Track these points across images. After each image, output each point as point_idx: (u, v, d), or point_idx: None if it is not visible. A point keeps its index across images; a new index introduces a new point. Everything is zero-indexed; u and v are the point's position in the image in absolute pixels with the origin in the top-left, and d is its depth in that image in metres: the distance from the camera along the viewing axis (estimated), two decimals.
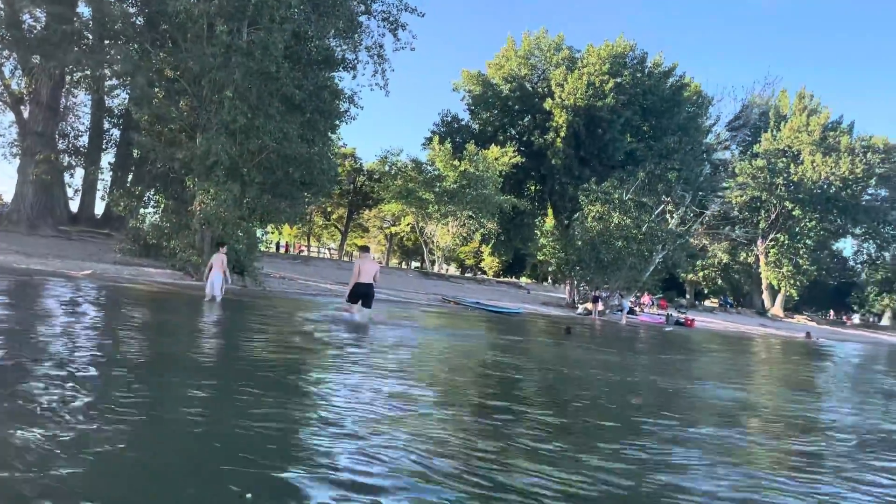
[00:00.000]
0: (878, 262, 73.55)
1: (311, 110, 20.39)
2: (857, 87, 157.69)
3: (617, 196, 33.66)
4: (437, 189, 41.68)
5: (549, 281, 59.73)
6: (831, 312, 78.15)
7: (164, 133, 20.84)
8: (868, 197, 63.24)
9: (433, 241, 46.46)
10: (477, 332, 17.85)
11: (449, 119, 51.09)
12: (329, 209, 59.92)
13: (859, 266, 76.86)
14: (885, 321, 74.79)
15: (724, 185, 53.18)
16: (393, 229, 59.78)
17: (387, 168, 44.95)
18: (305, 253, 61.35)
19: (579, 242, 34.51)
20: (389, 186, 43.58)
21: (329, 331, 12.94)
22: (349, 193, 55.00)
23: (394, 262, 73.55)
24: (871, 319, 78.29)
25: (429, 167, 43.95)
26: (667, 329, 32.14)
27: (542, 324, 24.67)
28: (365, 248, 16.33)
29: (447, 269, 58.31)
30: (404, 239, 67.25)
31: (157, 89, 20.52)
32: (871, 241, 72.67)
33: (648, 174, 36.61)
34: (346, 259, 64.82)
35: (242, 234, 19.82)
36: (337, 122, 23.93)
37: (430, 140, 46.18)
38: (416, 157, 45.12)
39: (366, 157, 58.58)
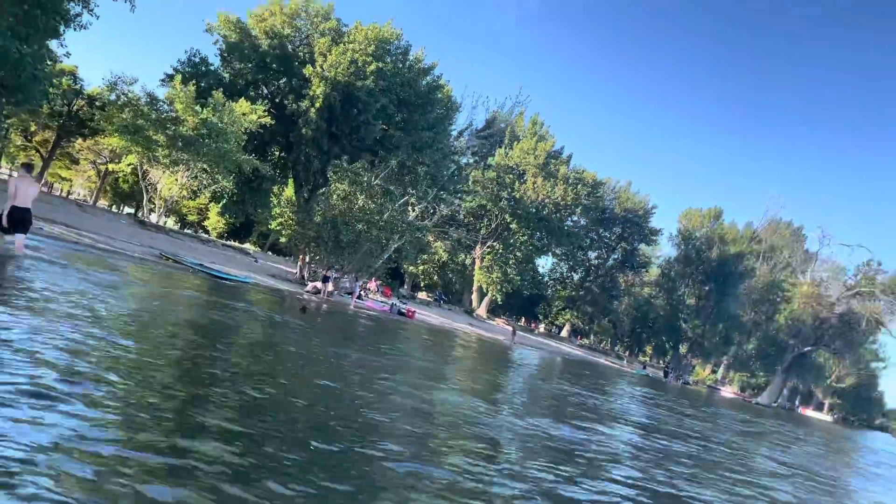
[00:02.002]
0: (567, 280, 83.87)
1: (31, 2, 16.37)
2: (576, 120, 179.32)
3: (366, 179, 33.18)
4: (170, 132, 37.35)
5: (272, 252, 57.62)
6: (523, 319, 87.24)
7: None
8: (570, 223, 71.44)
9: (156, 189, 41.72)
10: (196, 295, 15.85)
11: (197, 60, 46.21)
12: (33, 129, 50.89)
13: (551, 281, 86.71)
14: (564, 333, 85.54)
15: (464, 188, 55.95)
16: (110, 167, 52.71)
17: (114, 97, 39.22)
18: None
19: (318, 218, 33.40)
20: (114, 118, 38.06)
21: None
22: (61, 116, 47.17)
23: (103, 203, 65.12)
24: (553, 330, 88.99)
25: (165, 106, 39.27)
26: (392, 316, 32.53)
27: (272, 298, 23.10)
28: (27, 166, 13.52)
29: (166, 222, 53.11)
30: (121, 180, 59.86)
31: None
32: (565, 262, 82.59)
33: (400, 164, 36.77)
34: (43, 189, 55.70)
35: None
36: (62, 28, 19.75)
37: (171, 77, 41.30)
38: (153, 93, 40.05)
39: (90, 80, 50.58)
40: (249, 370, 8.08)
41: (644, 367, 73.42)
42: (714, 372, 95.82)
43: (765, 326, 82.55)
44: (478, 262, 68.36)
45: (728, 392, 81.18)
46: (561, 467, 6.95)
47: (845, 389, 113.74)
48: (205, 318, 12.10)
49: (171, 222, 63.05)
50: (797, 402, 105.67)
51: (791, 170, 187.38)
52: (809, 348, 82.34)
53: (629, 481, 7.22)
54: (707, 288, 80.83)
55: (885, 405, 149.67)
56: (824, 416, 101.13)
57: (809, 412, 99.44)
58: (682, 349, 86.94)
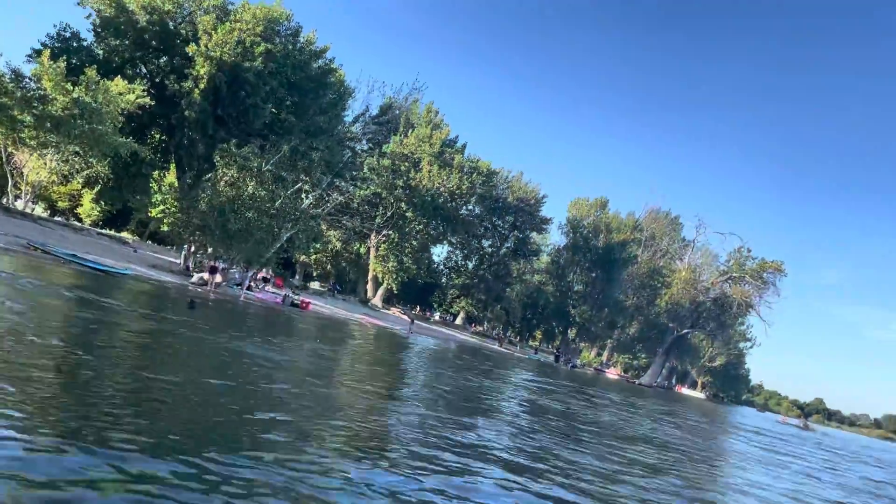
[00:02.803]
0: (462, 269, 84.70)
1: None
2: (470, 110, 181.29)
3: (256, 164, 31.78)
4: (38, 111, 34.24)
5: (152, 241, 54.57)
6: (417, 308, 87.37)
7: None
8: (465, 211, 71.94)
9: (22, 174, 38.29)
10: (69, 290, 14.52)
11: (68, 35, 42.62)
12: None
13: (445, 270, 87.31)
14: (459, 321, 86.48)
15: (362, 174, 54.91)
16: None
17: None
18: None
19: (204, 206, 31.73)
20: None
21: None
22: None
23: None
24: (448, 318, 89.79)
25: (32, 84, 35.95)
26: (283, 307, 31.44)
27: (156, 291, 21.65)
28: None
29: (34, 209, 48.99)
30: None
31: None
32: (459, 251, 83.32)
33: (293, 149, 35.50)
34: None
35: None
36: None
37: (38, 53, 37.89)
38: (18, 69, 36.52)
39: None
40: (134, 371, 7.32)
41: (536, 353, 75.40)
42: (599, 355, 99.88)
43: (646, 311, 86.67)
44: (373, 251, 67.60)
45: (613, 374, 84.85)
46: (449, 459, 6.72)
47: (716, 368, 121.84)
48: (81, 316, 11.03)
49: (39, 209, 58.27)
50: (674, 381, 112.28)
51: (671, 161, 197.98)
52: (687, 331, 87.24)
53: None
54: (594, 274, 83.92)
55: (750, 382, 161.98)
56: (698, 394, 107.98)
57: (685, 391, 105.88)
58: (571, 333, 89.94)
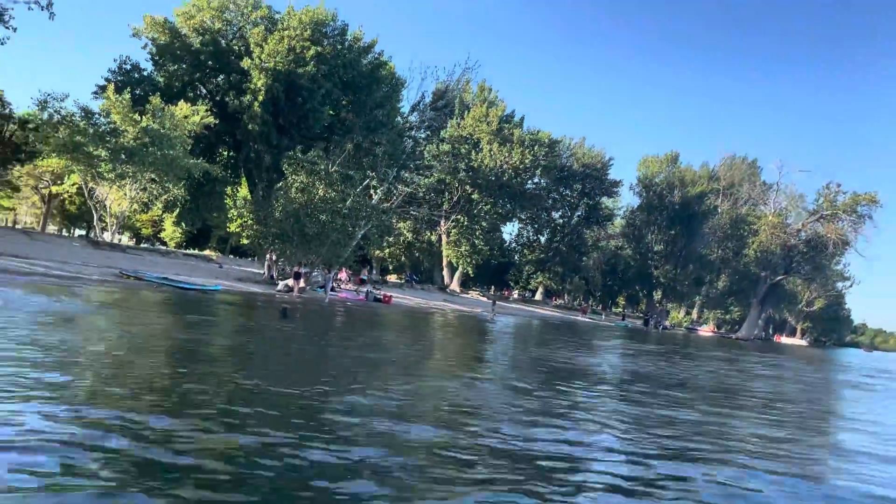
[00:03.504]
0: (535, 244, 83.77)
1: None
2: (522, 81, 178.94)
3: (323, 167, 32.05)
4: (111, 145, 35.57)
5: (235, 255, 56.10)
6: (492, 288, 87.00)
7: None
8: (531, 185, 70.95)
9: (105, 206, 39.93)
10: (167, 312, 14.88)
11: (129, 68, 44.14)
12: None
13: (517, 247, 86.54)
14: (538, 296, 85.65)
15: (425, 162, 54.80)
16: (53, 189, 50.34)
17: (47, 116, 37.19)
18: None
19: (279, 214, 32.27)
20: (49, 138, 36.12)
21: None
22: None
23: (52, 228, 62.56)
24: (526, 294, 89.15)
25: (102, 119, 37.38)
26: (368, 301, 31.73)
27: (246, 303, 22.13)
28: None
29: (121, 239, 51.20)
30: (67, 202, 57.44)
31: None
32: (530, 226, 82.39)
33: (356, 146, 35.66)
34: None
35: None
36: None
37: (103, 88, 39.34)
38: (87, 106, 38.04)
39: (19, 104, 47.96)
40: (259, 384, 7.30)
41: (623, 319, 73.88)
42: (689, 313, 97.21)
43: (734, 262, 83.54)
44: (444, 237, 67.64)
45: (706, 331, 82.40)
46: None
47: (815, 313, 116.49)
48: (185, 336, 11.23)
49: (125, 239, 60.97)
50: (771, 331, 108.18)
51: (742, 105, 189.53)
52: (780, 277, 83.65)
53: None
54: (673, 232, 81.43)
55: (852, 322, 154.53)
56: (799, 341, 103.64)
57: (784, 339, 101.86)
58: (657, 295, 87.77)
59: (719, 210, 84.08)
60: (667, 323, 79.97)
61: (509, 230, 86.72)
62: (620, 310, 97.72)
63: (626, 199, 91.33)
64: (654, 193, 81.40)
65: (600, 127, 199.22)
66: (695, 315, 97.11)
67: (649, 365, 18.03)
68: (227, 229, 45.88)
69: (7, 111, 44.26)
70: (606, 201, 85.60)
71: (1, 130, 44.78)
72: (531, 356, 16.71)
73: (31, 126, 40.23)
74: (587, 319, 64.70)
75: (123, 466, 4.22)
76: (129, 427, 5.03)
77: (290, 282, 30.43)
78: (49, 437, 4.52)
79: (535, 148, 64.28)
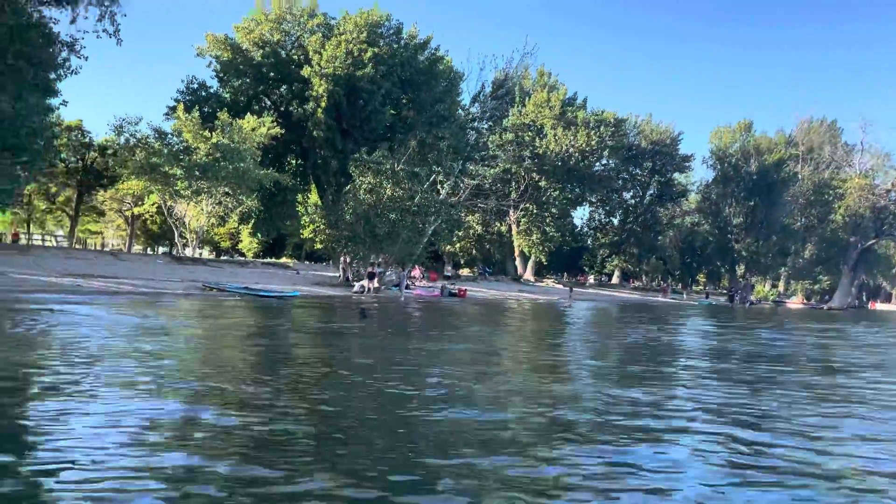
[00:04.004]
0: (607, 226, 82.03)
1: (14, 54, 15.58)
2: (585, 64, 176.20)
3: (389, 166, 32.18)
4: (185, 163, 36.78)
5: (310, 261, 57.13)
6: (565, 274, 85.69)
7: None
8: (599, 167, 69.42)
9: (184, 223, 41.35)
10: (251, 321, 15.11)
11: (195, 87, 45.61)
12: (54, 190, 50.98)
13: (590, 231, 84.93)
14: (615, 280, 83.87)
15: (491, 152, 54.39)
16: (135, 210, 52.55)
17: (123, 140, 38.78)
18: (23, 240, 51.63)
19: (348, 217, 32.62)
20: (127, 161, 37.66)
21: None
22: (78, 172, 47.07)
23: (137, 248, 65.40)
24: (602, 279, 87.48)
25: (175, 139, 38.70)
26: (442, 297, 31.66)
27: (325, 306, 22.40)
28: None
29: (202, 253, 52.99)
30: (149, 222, 59.88)
31: None
32: (601, 208, 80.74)
33: (420, 142, 35.67)
34: (77, 247, 55.95)
35: None
36: (53, 76, 19.04)
37: (174, 109, 40.74)
38: (160, 128, 39.48)
39: (97, 132, 50.15)
40: (365, 385, 7.21)
41: (707, 297, 71.43)
42: (774, 286, 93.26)
43: (819, 229, 79.54)
44: (514, 227, 67.08)
45: (795, 303, 78.95)
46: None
47: None
48: (273, 344, 11.32)
49: (206, 252, 63.08)
50: (865, 299, 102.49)
51: (815, 66, 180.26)
52: (872, 241, 79.15)
53: None
54: (752, 203, 78.00)
55: None
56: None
57: (880, 306, 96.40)
58: (739, 270, 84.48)
59: (799, 176, 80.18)
60: (752, 298, 76.91)
61: (580, 215, 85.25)
62: (701, 288, 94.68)
63: (700, 174, 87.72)
64: (729, 165, 78.14)
65: (666, 102, 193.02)
66: (781, 287, 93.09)
67: (755, 342, 17.20)
68: (301, 236, 46.71)
69: (87, 139, 46.49)
70: (679, 177, 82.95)
71: (83, 158, 47.09)
72: (633, 340, 16.18)
73: (109, 152, 42.11)
74: (668, 300, 62.94)
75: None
76: (312, 430, 4.98)
77: (365, 282, 30.70)
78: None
79: (601, 129, 62.85)
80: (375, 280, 31.28)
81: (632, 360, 11.82)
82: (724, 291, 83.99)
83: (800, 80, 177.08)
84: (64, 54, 18.23)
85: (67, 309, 14.09)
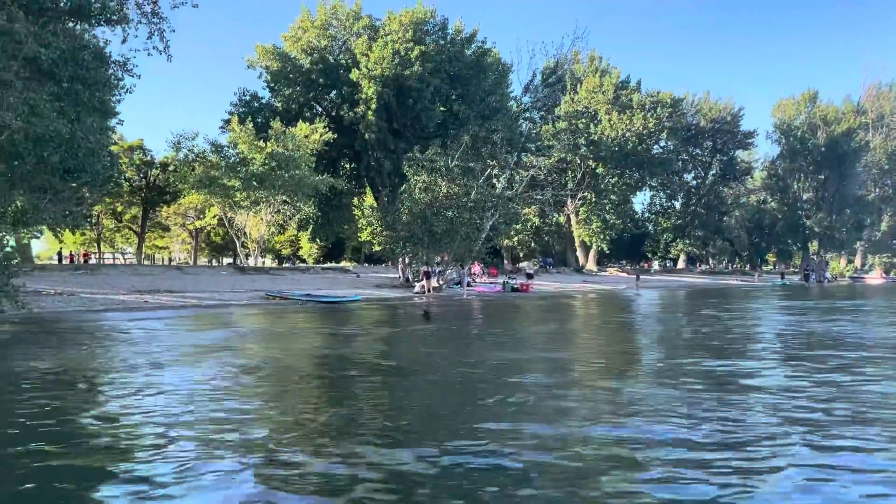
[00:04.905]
0: (670, 210, 79.71)
1: (69, 77, 15.77)
2: (636, 45, 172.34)
3: (443, 163, 31.75)
4: (243, 174, 37.24)
5: (369, 263, 57.33)
6: (627, 262, 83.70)
7: None
8: (658, 150, 67.35)
9: (245, 233, 41.94)
10: (317, 330, 14.88)
11: (248, 98, 46.34)
12: (120, 209, 52.62)
13: (651, 216, 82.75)
14: (680, 264, 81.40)
15: (545, 142, 53.37)
16: (198, 224, 53.77)
17: (182, 156, 39.56)
18: (92, 260, 53.45)
19: (404, 217, 32.35)
20: (187, 176, 38.38)
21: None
22: (141, 190, 48.42)
23: (203, 260, 67.03)
24: (667, 264, 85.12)
25: (231, 151, 39.25)
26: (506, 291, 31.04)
27: (388, 309, 22.13)
28: None
29: (264, 262, 53.76)
30: (212, 234, 61.24)
31: None
32: (662, 192, 78.48)
33: (473, 137, 35.14)
34: (146, 263, 57.62)
35: None
36: (109, 98, 19.31)
37: (228, 122, 41.39)
38: (216, 141, 40.11)
39: (157, 150, 51.58)
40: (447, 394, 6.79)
41: (782, 277, 68.50)
42: (850, 262, 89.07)
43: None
44: (573, 217, 65.81)
45: (875, 279, 75.05)
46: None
47: None
48: (343, 353, 11.02)
49: (268, 261, 64.10)
50: None
51: (879, 27, 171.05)
52: None
53: None
54: (822, 176, 74.52)
55: None
56: None
57: None
58: (812, 247, 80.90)
59: (871, 145, 76.19)
60: (828, 275, 73.47)
61: (641, 200, 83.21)
62: (771, 268, 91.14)
63: (764, 150, 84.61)
64: (795, 138, 74.81)
65: (725, 78, 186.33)
66: (857, 262, 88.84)
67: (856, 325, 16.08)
68: (359, 239, 46.93)
69: (149, 158, 47.71)
70: (742, 155, 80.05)
71: (146, 176, 48.36)
72: (692, 325, 15.31)
73: (170, 168, 43.05)
74: (739, 282, 60.59)
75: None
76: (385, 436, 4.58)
77: (424, 282, 30.37)
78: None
79: (658, 110, 61.01)
80: (434, 279, 30.92)
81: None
82: (796, 270, 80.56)
83: (864, 45, 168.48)
84: (118, 73, 18.47)
85: (128, 326, 14.12)
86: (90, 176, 17.60)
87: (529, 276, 37.93)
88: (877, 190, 77.58)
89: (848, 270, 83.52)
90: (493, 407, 6.44)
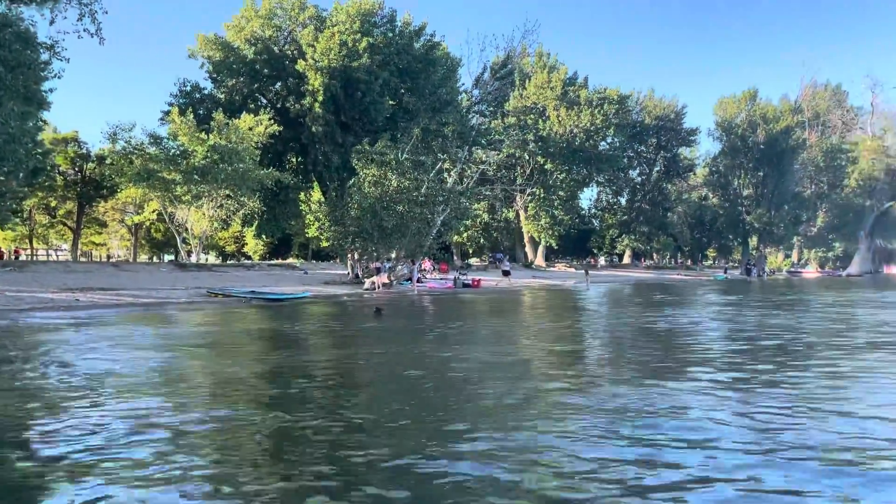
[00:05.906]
0: (616, 206, 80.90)
1: None
2: (582, 42, 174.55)
3: (393, 156, 31.10)
4: (183, 167, 35.75)
5: (317, 260, 56.23)
6: (574, 258, 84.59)
7: None
8: (605, 146, 68.04)
9: (186, 229, 40.40)
10: (259, 328, 14.15)
11: (188, 89, 44.47)
12: (54, 204, 50.16)
13: (598, 212, 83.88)
14: (626, 260, 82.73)
15: (496, 135, 53.10)
16: (136, 219, 51.68)
17: (119, 148, 37.79)
18: (22, 256, 50.88)
19: (353, 212, 31.60)
20: (125, 169, 36.67)
21: None
22: (77, 184, 46.19)
23: (143, 257, 64.61)
24: (613, 259, 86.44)
25: (171, 143, 37.67)
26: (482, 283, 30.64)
27: (337, 306, 21.44)
28: None
29: (207, 259, 52.09)
30: (152, 230, 59.02)
31: None
32: (608, 188, 79.58)
33: (424, 130, 34.56)
34: (82, 259, 55.14)
35: None
36: (34, 83, 18.03)
37: (168, 113, 39.70)
38: (155, 132, 38.43)
39: (92, 142, 49.29)
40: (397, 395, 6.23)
41: (725, 272, 70.08)
42: (788, 256, 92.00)
43: (832, 195, 78.16)
44: (522, 212, 65.99)
45: (811, 273, 77.66)
46: None
47: None
48: (284, 354, 10.36)
49: (212, 258, 62.26)
50: (878, 264, 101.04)
51: (816, 28, 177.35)
52: (888, 204, 77.64)
53: None
54: (761, 173, 76.51)
55: None
56: None
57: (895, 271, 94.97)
58: (752, 242, 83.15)
59: (808, 143, 78.73)
60: (767, 269, 75.61)
61: (587, 196, 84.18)
62: (711, 262, 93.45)
63: (706, 147, 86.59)
64: (736, 136, 76.58)
65: (668, 76, 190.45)
66: (794, 257, 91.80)
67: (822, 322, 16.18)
68: (307, 235, 45.81)
69: (84, 150, 45.56)
70: (685, 152, 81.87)
71: (81, 170, 46.21)
72: (645, 319, 15.18)
73: (107, 161, 41.17)
74: (683, 277, 61.74)
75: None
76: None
77: (375, 278, 29.72)
78: None
79: (605, 106, 61.63)
80: (384, 275, 30.29)
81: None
82: (735, 265, 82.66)
83: (801, 44, 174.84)
84: (45, 56, 17.22)
85: (45, 326, 13.14)
86: (13, 165, 16.33)
87: (506, 273, 37.88)
88: (813, 187, 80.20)
89: (785, 265, 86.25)
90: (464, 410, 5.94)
